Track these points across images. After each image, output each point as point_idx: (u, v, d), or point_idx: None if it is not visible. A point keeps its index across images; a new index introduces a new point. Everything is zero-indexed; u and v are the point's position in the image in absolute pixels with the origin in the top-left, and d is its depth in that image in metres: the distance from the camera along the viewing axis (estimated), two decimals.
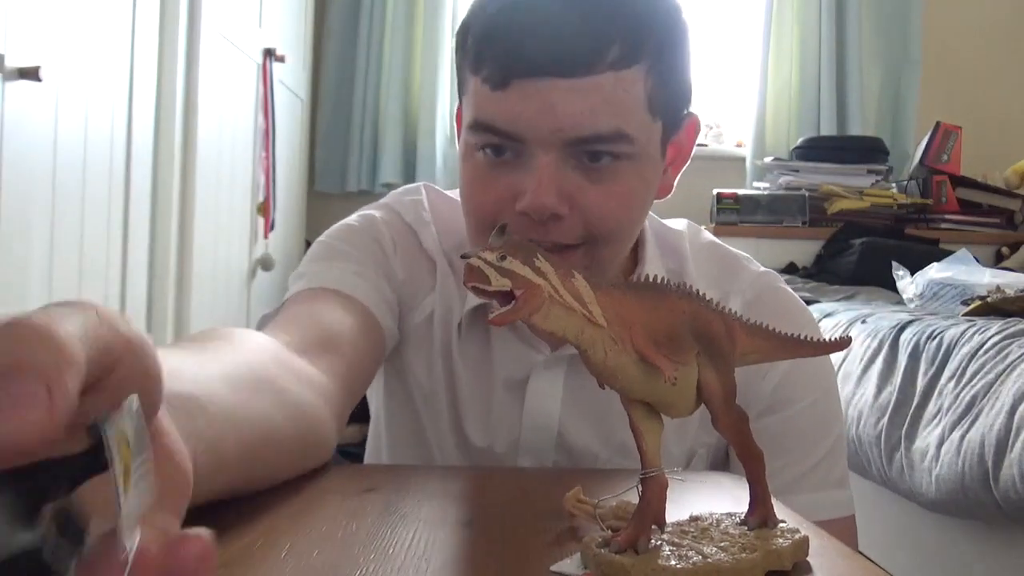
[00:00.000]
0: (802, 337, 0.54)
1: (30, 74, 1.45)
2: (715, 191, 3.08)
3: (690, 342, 0.47)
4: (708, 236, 0.99)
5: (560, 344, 0.88)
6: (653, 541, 0.47)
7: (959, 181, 3.10)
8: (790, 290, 0.97)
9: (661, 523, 0.48)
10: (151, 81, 1.93)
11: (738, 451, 0.51)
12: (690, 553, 0.46)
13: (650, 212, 0.90)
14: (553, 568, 0.48)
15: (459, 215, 0.94)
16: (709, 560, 0.45)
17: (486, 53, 0.75)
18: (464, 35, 0.79)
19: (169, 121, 2.01)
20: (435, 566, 0.50)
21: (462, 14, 3.10)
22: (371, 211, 0.96)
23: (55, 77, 1.54)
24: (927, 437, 1.56)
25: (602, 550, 0.47)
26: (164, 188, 2.02)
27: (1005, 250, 2.98)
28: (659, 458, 0.48)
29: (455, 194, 0.99)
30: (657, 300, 0.47)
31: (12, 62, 1.43)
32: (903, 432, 1.64)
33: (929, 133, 3.16)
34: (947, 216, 3.06)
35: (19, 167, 1.47)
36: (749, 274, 0.94)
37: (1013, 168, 3.15)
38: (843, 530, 0.88)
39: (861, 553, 0.64)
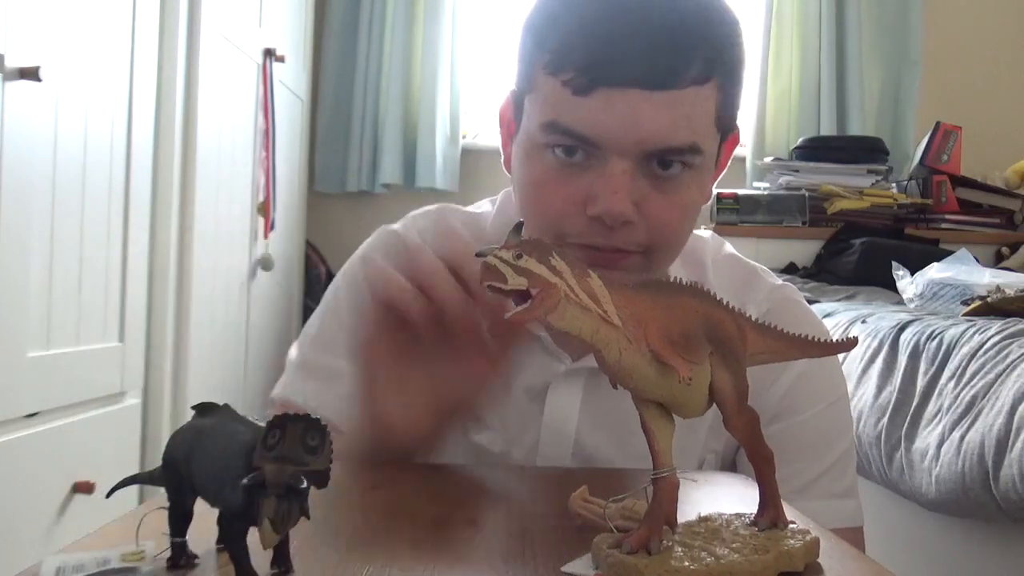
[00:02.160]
0: (811, 338, 0.54)
1: (30, 74, 1.45)
2: (715, 191, 3.08)
3: (703, 342, 0.47)
4: (729, 248, 1.00)
5: (582, 355, 0.89)
6: (665, 542, 0.47)
7: (959, 181, 3.10)
8: (805, 302, 0.98)
9: (673, 523, 0.48)
10: (151, 81, 1.93)
11: (748, 452, 0.50)
12: (702, 554, 0.46)
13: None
14: (564, 569, 0.48)
15: (474, 231, 0.94)
16: (722, 561, 0.45)
17: (572, 57, 0.75)
18: (541, 32, 0.78)
19: (169, 121, 2.01)
20: (442, 565, 0.50)
21: (462, 14, 3.09)
22: (368, 251, 0.97)
23: (55, 77, 1.54)
24: (927, 437, 1.56)
25: (614, 551, 0.46)
26: (164, 188, 2.01)
27: (1005, 250, 2.97)
28: (671, 458, 0.47)
29: (477, 207, 0.99)
30: (671, 300, 0.47)
31: (12, 62, 1.42)
32: (903, 432, 1.63)
33: (929, 133, 3.16)
34: (947, 216, 3.06)
35: (19, 167, 1.46)
36: (766, 285, 0.95)
37: (1013, 168, 3.15)
38: (848, 541, 0.88)
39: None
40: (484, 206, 1.00)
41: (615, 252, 0.78)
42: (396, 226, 0.98)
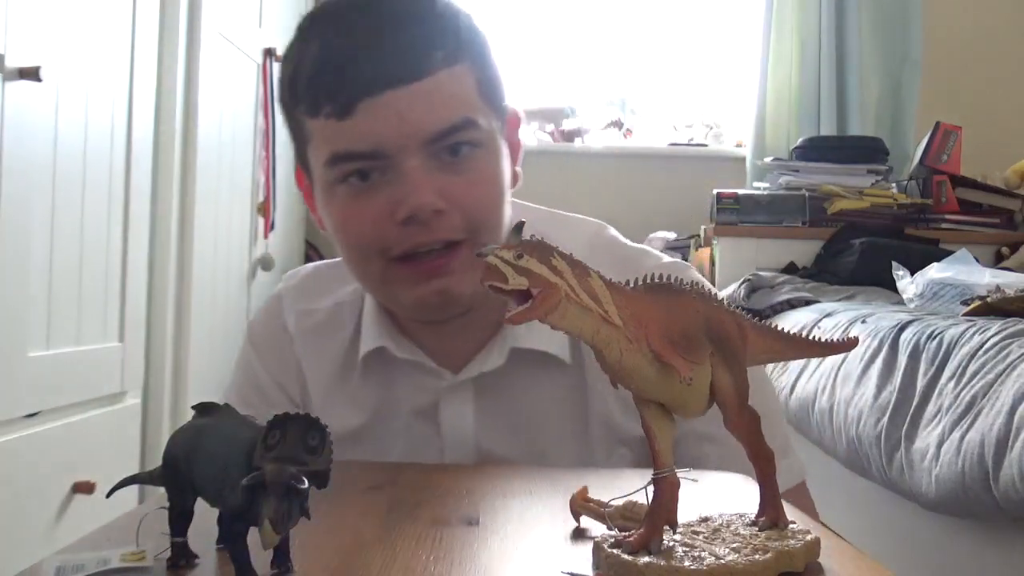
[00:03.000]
0: (812, 338, 0.54)
1: (30, 74, 1.45)
2: (715, 191, 3.07)
3: (704, 342, 0.47)
4: (612, 235, 1.00)
5: (461, 367, 0.89)
6: (665, 542, 0.47)
7: (959, 181, 3.09)
8: (699, 276, 0.97)
9: (673, 524, 0.48)
10: (151, 81, 1.93)
11: (749, 452, 0.50)
12: (703, 554, 0.46)
13: (559, 212, 0.97)
14: (564, 569, 0.48)
15: (328, 280, 0.98)
16: (722, 561, 0.45)
17: (323, 90, 0.79)
18: (291, 86, 0.83)
19: (169, 121, 2.01)
20: (443, 564, 0.50)
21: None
22: (248, 342, 1.04)
23: (55, 77, 1.54)
24: (927, 437, 1.56)
25: (615, 551, 0.46)
26: (164, 188, 2.01)
27: (1005, 250, 2.97)
28: (671, 458, 0.47)
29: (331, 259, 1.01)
30: (672, 300, 0.46)
31: (12, 62, 1.42)
32: (903, 432, 1.63)
33: (929, 133, 3.16)
34: (947, 216, 3.05)
35: (19, 167, 1.46)
36: (648, 266, 0.94)
37: (1013, 168, 3.15)
38: (797, 498, 0.88)
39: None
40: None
41: (444, 251, 0.81)
42: (279, 287, 1.03)
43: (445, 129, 0.79)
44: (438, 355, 0.91)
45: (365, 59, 0.77)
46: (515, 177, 0.90)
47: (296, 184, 0.94)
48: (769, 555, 0.46)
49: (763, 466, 0.50)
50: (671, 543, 0.47)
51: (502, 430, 0.90)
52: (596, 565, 0.47)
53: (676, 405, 0.47)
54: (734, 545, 0.47)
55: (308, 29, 0.83)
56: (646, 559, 0.45)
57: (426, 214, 0.78)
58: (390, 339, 0.91)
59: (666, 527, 0.47)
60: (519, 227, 0.44)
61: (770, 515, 0.51)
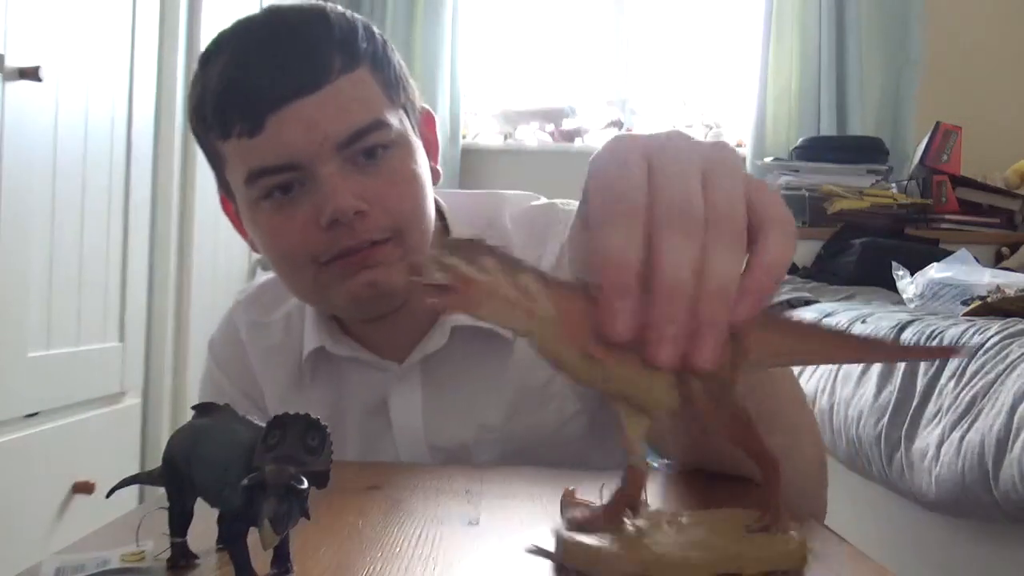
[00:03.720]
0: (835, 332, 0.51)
1: (30, 74, 1.45)
2: None
3: None
4: (536, 200, 1.01)
5: (406, 355, 0.91)
6: (628, 527, 0.47)
7: (959, 181, 3.10)
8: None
9: (635, 509, 0.48)
10: (151, 81, 1.93)
11: (749, 452, 0.49)
12: (647, 541, 0.46)
13: (496, 191, 0.99)
14: (529, 547, 0.49)
15: (277, 293, 0.99)
16: (655, 549, 0.45)
17: (231, 110, 0.81)
18: (199, 114, 0.84)
19: (169, 121, 2.01)
20: (442, 564, 0.50)
21: (462, 15, 3.10)
22: (210, 358, 1.04)
23: (55, 77, 1.54)
24: (927, 437, 1.56)
25: (570, 533, 0.47)
26: (164, 188, 2.02)
27: (1005, 250, 2.97)
28: (639, 447, 0.47)
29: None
30: None
31: (12, 62, 1.43)
32: (903, 432, 1.63)
33: (929, 133, 3.16)
34: (947, 216, 3.06)
35: (19, 167, 1.47)
36: (566, 214, 0.96)
37: (1013, 168, 3.15)
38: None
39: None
40: None
41: (369, 247, 0.82)
42: (233, 302, 1.05)
43: (355, 132, 0.80)
44: (383, 350, 0.92)
45: (267, 74, 0.79)
46: (435, 174, 0.91)
47: (223, 211, 0.95)
48: (713, 554, 0.46)
49: (764, 466, 0.49)
50: (632, 528, 0.48)
51: (449, 411, 0.91)
52: (556, 546, 0.48)
53: (637, 401, 0.46)
54: (696, 540, 0.47)
55: (208, 57, 0.85)
56: (595, 539, 0.46)
57: (347, 216, 0.79)
58: (328, 338, 0.92)
59: (629, 512, 0.48)
60: (446, 228, 0.45)
61: (766, 519, 0.49)
